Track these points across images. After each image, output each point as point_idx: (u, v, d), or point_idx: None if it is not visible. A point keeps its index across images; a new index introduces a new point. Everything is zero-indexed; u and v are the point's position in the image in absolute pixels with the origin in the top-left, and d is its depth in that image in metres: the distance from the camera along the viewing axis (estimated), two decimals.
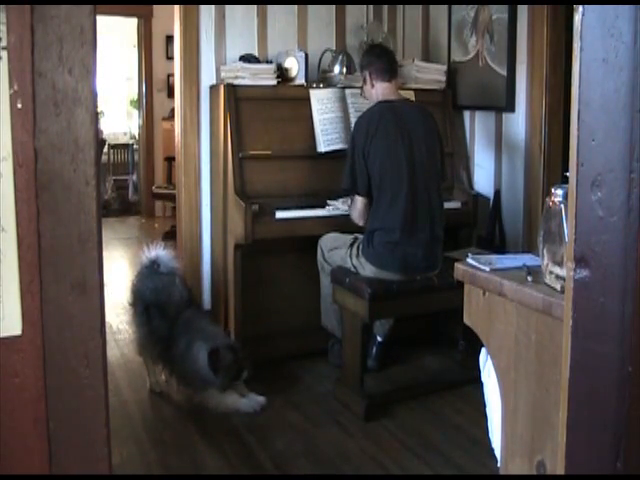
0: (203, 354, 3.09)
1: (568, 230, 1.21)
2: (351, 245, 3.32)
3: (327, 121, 3.74)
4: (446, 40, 4.40)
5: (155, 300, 3.30)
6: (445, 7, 4.39)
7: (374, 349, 3.60)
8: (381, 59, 3.35)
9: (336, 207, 3.55)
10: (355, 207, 3.30)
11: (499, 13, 3.95)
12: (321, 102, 3.75)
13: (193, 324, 3.24)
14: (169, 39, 7.97)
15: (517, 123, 3.92)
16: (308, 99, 3.74)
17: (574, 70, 1.15)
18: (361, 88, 3.48)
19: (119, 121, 10.55)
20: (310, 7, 4.16)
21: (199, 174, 3.94)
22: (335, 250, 3.39)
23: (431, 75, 4.16)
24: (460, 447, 2.86)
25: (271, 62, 3.85)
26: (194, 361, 3.12)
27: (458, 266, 1.92)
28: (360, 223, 3.32)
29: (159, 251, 3.41)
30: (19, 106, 1.09)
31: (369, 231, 3.22)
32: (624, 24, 1.12)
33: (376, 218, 3.20)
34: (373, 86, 3.33)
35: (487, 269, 1.82)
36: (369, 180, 3.19)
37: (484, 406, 1.99)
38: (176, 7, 3.92)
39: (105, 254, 1.23)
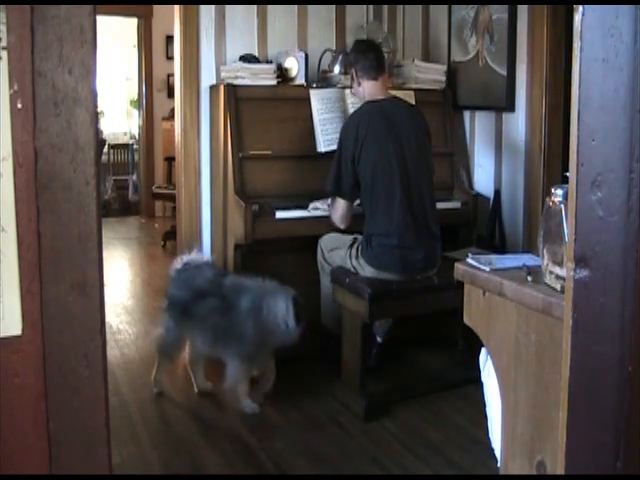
0: (282, 305, 3.05)
1: (568, 230, 1.20)
2: (351, 246, 3.31)
3: (327, 121, 3.74)
4: (446, 40, 4.40)
5: (192, 293, 3.21)
6: (445, 7, 4.39)
7: (374, 349, 3.60)
8: (367, 56, 3.26)
9: (316, 207, 3.52)
10: (337, 210, 3.27)
11: (499, 13, 3.95)
12: (321, 102, 3.75)
13: (245, 285, 3.18)
14: (169, 39, 7.97)
15: (517, 123, 3.92)
16: (308, 99, 3.74)
17: (574, 70, 1.15)
18: (351, 86, 3.45)
19: (119, 121, 10.56)
20: (310, 7, 4.16)
21: (199, 174, 3.94)
22: (335, 250, 3.39)
23: (431, 75, 4.16)
24: (460, 447, 2.86)
25: (271, 62, 3.85)
26: (271, 315, 3.05)
27: (458, 266, 1.92)
28: (342, 226, 3.31)
29: (192, 255, 3.35)
30: (19, 106, 1.09)
31: (367, 235, 3.21)
32: (624, 24, 1.12)
33: (373, 223, 3.19)
34: (360, 84, 3.29)
35: (487, 269, 1.82)
36: (357, 185, 3.18)
37: (484, 406, 1.99)
38: (176, 7, 3.92)
39: (105, 254, 1.23)
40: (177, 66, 3.95)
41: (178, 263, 3.33)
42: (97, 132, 1.18)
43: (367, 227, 3.22)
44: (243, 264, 3.55)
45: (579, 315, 1.17)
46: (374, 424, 3.07)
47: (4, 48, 1.07)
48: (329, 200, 3.38)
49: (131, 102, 10.20)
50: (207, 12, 3.91)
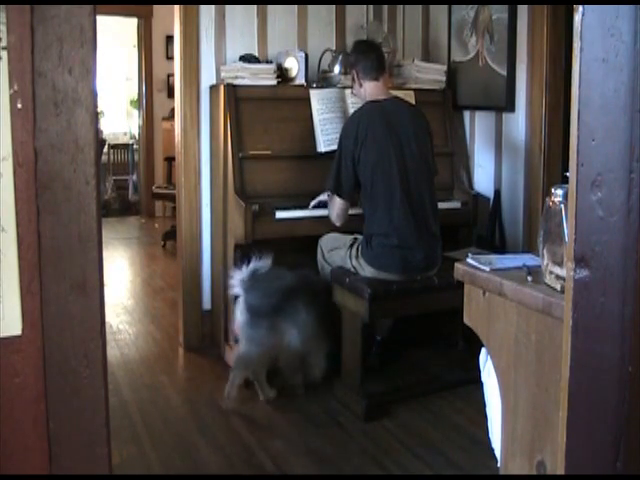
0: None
1: (568, 230, 1.21)
2: (351, 246, 3.31)
3: (327, 121, 3.74)
4: (446, 40, 4.40)
5: (280, 297, 3.15)
6: (445, 7, 4.39)
7: (373, 348, 3.60)
8: (367, 56, 3.28)
9: (318, 201, 3.49)
10: (334, 208, 3.28)
11: (499, 13, 3.95)
12: (321, 102, 3.75)
13: (310, 275, 3.38)
14: (169, 39, 7.97)
15: (517, 123, 3.92)
16: (308, 99, 3.74)
17: (574, 70, 1.15)
18: (352, 87, 3.45)
19: (119, 121, 10.56)
20: (310, 7, 4.16)
21: (199, 174, 3.94)
22: (335, 250, 3.39)
23: (431, 75, 4.16)
24: (460, 447, 2.86)
25: (271, 62, 3.85)
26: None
27: (458, 266, 1.92)
28: (337, 224, 3.31)
29: (255, 263, 3.18)
30: (19, 106, 1.09)
31: (367, 235, 3.21)
32: (624, 24, 1.12)
33: (373, 223, 3.19)
34: (361, 85, 3.29)
35: (487, 269, 1.82)
36: (356, 186, 3.18)
37: (484, 406, 1.99)
38: (176, 7, 3.92)
39: (105, 254, 1.23)
40: (177, 66, 3.95)
41: (242, 273, 3.15)
42: (97, 132, 1.18)
43: (367, 227, 3.22)
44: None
45: (579, 315, 1.17)
46: (374, 424, 3.06)
47: (4, 48, 1.07)
48: (327, 193, 3.38)
49: (131, 102, 10.20)
50: (207, 12, 3.91)
